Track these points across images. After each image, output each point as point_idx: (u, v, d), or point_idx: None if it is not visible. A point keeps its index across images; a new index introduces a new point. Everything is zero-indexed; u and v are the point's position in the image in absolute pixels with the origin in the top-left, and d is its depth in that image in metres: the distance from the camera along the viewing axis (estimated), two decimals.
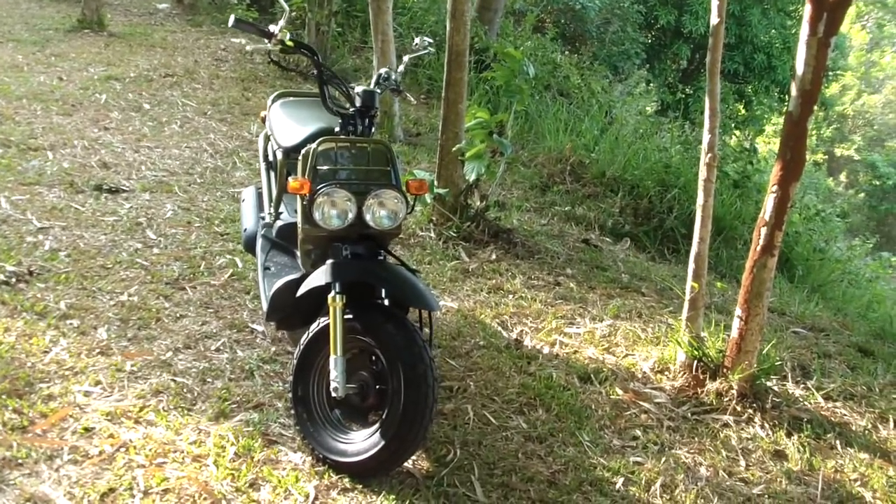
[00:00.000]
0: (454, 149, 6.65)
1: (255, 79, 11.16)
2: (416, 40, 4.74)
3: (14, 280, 5.27)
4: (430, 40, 4.79)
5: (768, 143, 23.11)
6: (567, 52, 14.51)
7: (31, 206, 6.37)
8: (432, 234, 6.77)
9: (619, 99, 13.70)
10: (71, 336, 4.75)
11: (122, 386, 4.33)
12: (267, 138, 5.10)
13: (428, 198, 6.20)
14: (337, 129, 4.08)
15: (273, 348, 4.83)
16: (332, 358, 3.71)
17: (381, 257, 4.00)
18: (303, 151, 3.92)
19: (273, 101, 5.19)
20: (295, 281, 4.10)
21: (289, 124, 4.73)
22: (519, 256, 6.66)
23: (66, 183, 6.92)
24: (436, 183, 6.88)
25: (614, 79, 15.88)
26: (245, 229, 5.10)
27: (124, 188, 7.02)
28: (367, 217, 3.82)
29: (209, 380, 4.49)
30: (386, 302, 3.89)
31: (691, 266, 4.95)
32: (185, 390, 4.35)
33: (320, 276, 3.84)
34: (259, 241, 4.85)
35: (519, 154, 9.52)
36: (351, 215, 3.80)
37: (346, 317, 3.76)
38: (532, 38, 12.88)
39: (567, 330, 5.50)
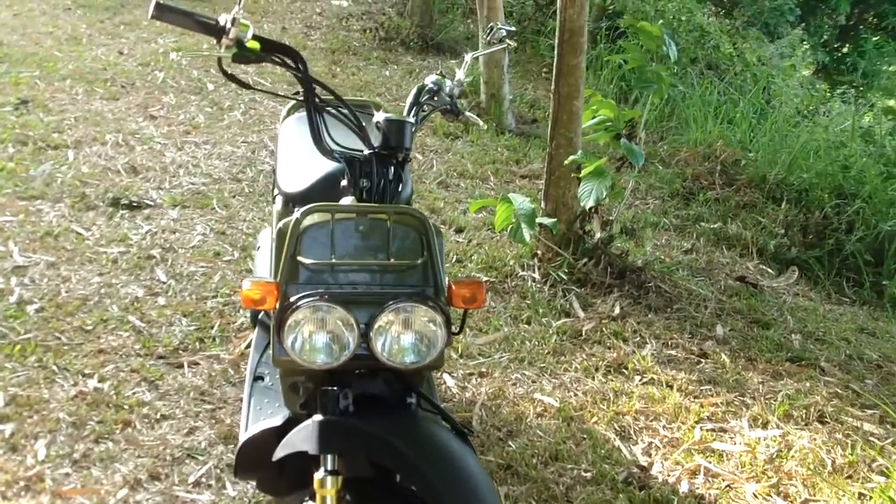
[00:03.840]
0: (567, 161, 4.95)
1: (348, 50, 9.56)
2: (487, 32, 3.09)
3: None
4: (511, 29, 3.10)
5: None
6: (716, 14, 12.49)
7: (19, 232, 4.93)
8: (536, 276, 5.09)
9: (775, 67, 11.62)
10: None
11: None
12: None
13: (526, 233, 4.52)
14: (343, 182, 2.47)
15: None
16: None
17: (411, 401, 2.37)
18: (279, 226, 2.30)
19: (288, 113, 3.58)
20: (272, 431, 2.53)
21: (297, 156, 3.13)
22: (652, 308, 4.93)
23: (76, 196, 5.47)
24: (542, 205, 5.19)
25: (766, 41, 13.82)
26: None
27: (149, 202, 5.53)
28: (378, 348, 2.19)
29: None
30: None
31: None
32: None
33: (302, 440, 2.26)
34: (256, 330, 3.30)
35: (657, 147, 7.72)
36: (349, 349, 2.18)
37: None
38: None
39: (716, 445, 3.79)
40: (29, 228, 4.99)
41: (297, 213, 2.22)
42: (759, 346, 4.70)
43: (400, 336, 2.20)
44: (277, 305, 2.17)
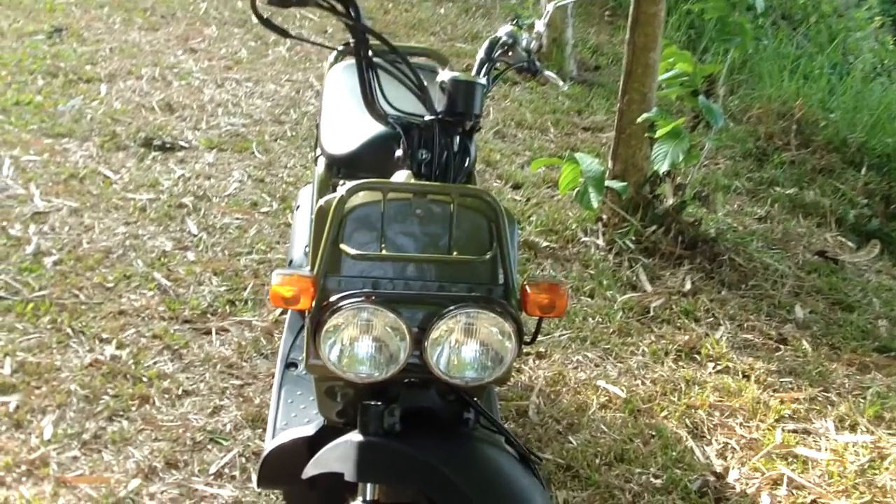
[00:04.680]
0: (639, 119, 4.50)
1: None
2: None
3: None
4: None
5: None
6: None
7: (42, 173, 4.58)
8: (600, 242, 4.66)
9: (850, 19, 10.94)
10: None
11: None
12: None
13: (594, 199, 4.10)
14: (398, 152, 2.05)
15: None
16: None
17: (468, 416, 1.96)
18: (319, 204, 1.90)
19: (335, 59, 3.15)
20: (303, 441, 2.15)
21: (344, 112, 2.72)
22: (725, 283, 4.50)
23: (105, 134, 5.10)
24: (609, 166, 4.74)
25: None
26: (290, 261, 3.16)
27: (183, 143, 5.15)
28: (434, 361, 1.79)
29: None
30: None
31: None
32: None
33: (338, 460, 1.88)
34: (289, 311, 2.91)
35: (728, 102, 7.20)
36: (399, 360, 1.78)
37: None
38: None
39: (800, 451, 3.37)
40: (53, 169, 4.63)
41: (342, 189, 1.81)
42: (842, 333, 4.25)
43: (461, 348, 1.80)
44: (314, 304, 1.77)
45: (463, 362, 1.80)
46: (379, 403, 1.87)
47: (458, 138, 2.02)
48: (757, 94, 7.29)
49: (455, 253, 1.80)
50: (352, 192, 1.79)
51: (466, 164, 2.04)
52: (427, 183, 1.96)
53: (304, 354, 1.88)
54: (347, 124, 2.60)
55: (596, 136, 6.17)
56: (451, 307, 1.75)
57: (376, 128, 2.39)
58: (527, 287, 1.84)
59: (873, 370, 3.98)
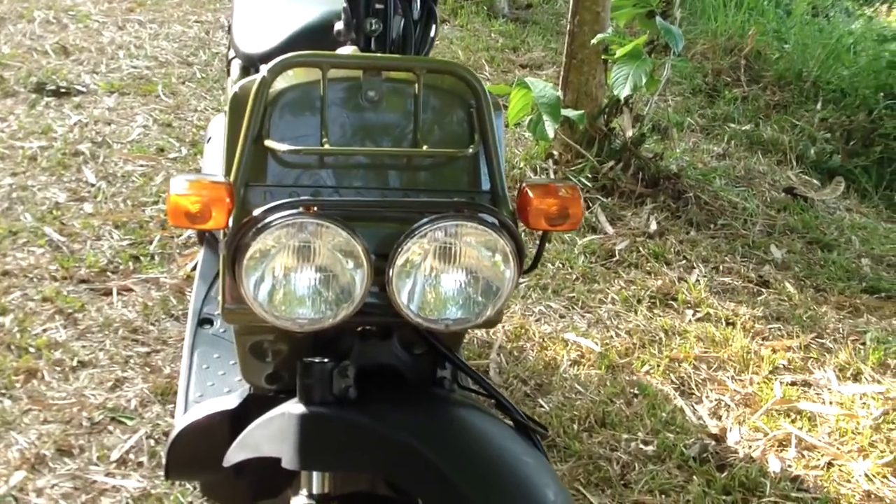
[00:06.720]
0: (593, 41, 4.01)
1: None
2: None
3: None
4: None
5: None
6: None
7: None
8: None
9: None
10: None
11: None
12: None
13: (549, 128, 3.60)
14: (338, 25, 1.51)
15: None
16: None
17: (443, 375, 1.46)
18: (234, 90, 1.36)
19: None
20: (223, 417, 1.63)
21: (261, 2, 2.18)
22: (693, 223, 4.05)
23: None
24: (561, 97, 4.25)
25: None
26: None
27: (80, 88, 4.57)
28: (402, 298, 1.27)
29: None
30: None
31: None
32: None
33: (272, 442, 1.37)
34: (202, 250, 2.38)
35: None
36: (353, 298, 1.26)
37: None
38: None
39: (804, 406, 2.93)
40: None
41: (265, 68, 1.28)
42: (826, 274, 3.84)
43: (439, 277, 1.29)
44: (231, 222, 1.24)
45: (442, 298, 1.30)
46: (326, 361, 1.36)
47: (418, 1, 1.50)
48: (700, 30, 6.87)
49: (425, 147, 1.29)
50: (278, 69, 1.27)
51: (432, 36, 1.53)
52: (382, 55, 1.45)
53: (220, 297, 1.36)
54: (270, 14, 2.07)
55: (535, 74, 5.68)
56: (424, 220, 1.24)
57: (307, 14, 1.88)
58: (528, 191, 1.33)
59: (865, 313, 3.59)
